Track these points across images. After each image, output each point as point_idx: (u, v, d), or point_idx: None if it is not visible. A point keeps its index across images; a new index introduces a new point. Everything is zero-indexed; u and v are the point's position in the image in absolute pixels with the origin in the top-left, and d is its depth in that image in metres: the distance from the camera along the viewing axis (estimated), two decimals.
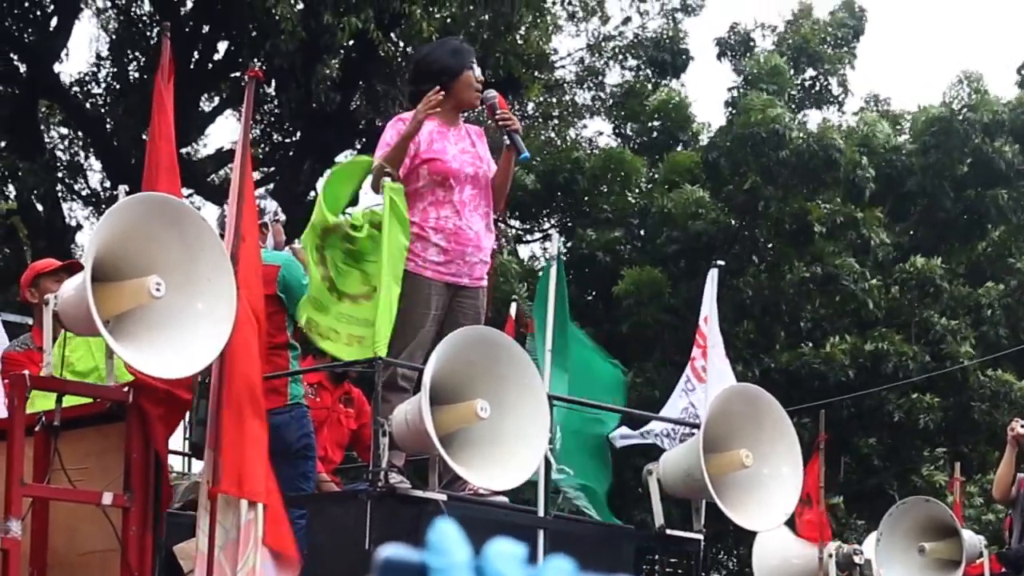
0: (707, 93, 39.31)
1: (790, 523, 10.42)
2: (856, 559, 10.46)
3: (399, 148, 7.65)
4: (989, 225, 24.22)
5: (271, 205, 8.29)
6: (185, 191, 13.48)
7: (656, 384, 21.20)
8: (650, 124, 25.61)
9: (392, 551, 1.30)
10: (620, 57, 26.83)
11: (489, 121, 8.53)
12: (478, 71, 7.97)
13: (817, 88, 25.63)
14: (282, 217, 8.31)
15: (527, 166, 22.92)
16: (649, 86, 26.27)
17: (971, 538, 11.38)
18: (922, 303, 22.68)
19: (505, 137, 7.82)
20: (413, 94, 8.14)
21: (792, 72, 24.69)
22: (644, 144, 25.48)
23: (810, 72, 25.50)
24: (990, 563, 11.63)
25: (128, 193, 6.13)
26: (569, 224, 24.34)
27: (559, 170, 24.12)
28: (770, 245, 23.49)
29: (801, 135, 22.18)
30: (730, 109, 23.90)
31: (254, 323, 6.10)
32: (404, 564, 1.29)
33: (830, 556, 10.23)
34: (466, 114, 8.25)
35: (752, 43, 25.85)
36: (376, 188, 7.54)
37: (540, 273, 22.47)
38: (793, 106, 24.50)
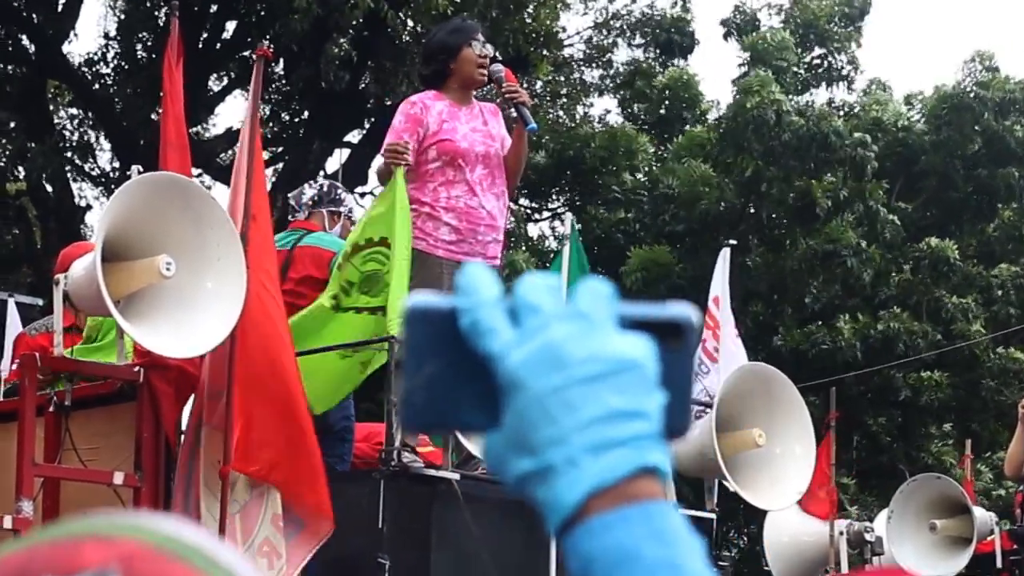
0: (715, 72, 39.27)
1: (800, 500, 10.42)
2: (867, 536, 10.47)
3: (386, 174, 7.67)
4: (1000, 204, 24.18)
5: (349, 200, 8.36)
6: (195, 171, 13.46)
7: None
8: (658, 103, 25.58)
9: (419, 298, 1.24)
10: (628, 35, 26.78)
11: (498, 97, 8.51)
12: (481, 47, 7.89)
13: (825, 66, 25.56)
14: (355, 215, 8.35)
15: (536, 144, 22.89)
16: (657, 66, 26.23)
17: (982, 515, 11.37)
18: (936, 283, 22.63)
19: (513, 110, 7.80)
20: (423, 76, 8.16)
21: (800, 50, 24.60)
22: (652, 123, 25.46)
23: (818, 50, 25.42)
24: (1001, 540, 11.61)
25: (140, 173, 6.10)
26: (578, 203, 24.33)
27: (567, 148, 24.10)
28: (776, 220, 23.45)
29: (800, 119, 22.09)
30: (735, 87, 23.86)
31: (274, 301, 6.09)
32: (431, 309, 1.24)
33: (841, 534, 10.22)
34: (481, 91, 8.24)
35: (758, 22, 25.77)
36: (383, 179, 7.61)
37: (553, 255, 22.53)
38: (799, 84, 24.44)
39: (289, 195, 8.17)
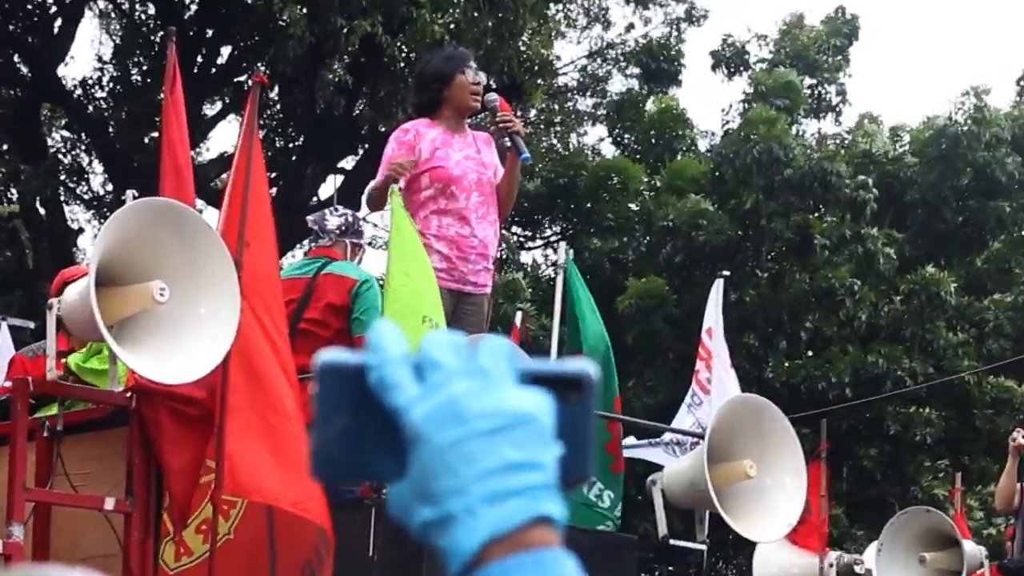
0: (703, 102, 39.30)
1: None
2: (857, 569, 10.44)
3: (378, 194, 7.65)
4: (989, 237, 24.20)
5: (368, 232, 8.41)
6: None
7: (658, 394, 21.18)
8: (648, 134, 25.61)
9: (330, 355, 1.31)
10: (622, 64, 26.85)
11: (492, 126, 8.54)
12: (474, 74, 7.92)
13: (816, 96, 25.62)
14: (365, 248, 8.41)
15: (530, 172, 22.92)
16: (645, 94, 26.27)
17: (972, 548, 11.36)
18: (929, 315, 22.62)
19: (506, 139, 7.82)
20: (415, 104, 8.18)
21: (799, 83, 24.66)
22: (642, 152, 25.49)
23: (808, 80, 25.48)
24: (991, 574, 11.60)
25: (136, 196, 6.10)
26: (571, 232, 24.33)
27: (561, 176, 24.13)
28: (772, 256, 23.46)
29: (802, 158, 22.12)
30: (726, 118, 23.93)
31: (264, 330, 6.07)
32: (342, 366, 1.30)
33: (831, 566, 10.20)
34: (473, 120, 8.26)
35: (746, 55, 25.84)
36: (372, 206, 7.61)
37: (547, 281, 22.54)
38: (800, 120, 24.52)
39: (310, 219, 8.16)
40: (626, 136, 26.06)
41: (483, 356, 1.28)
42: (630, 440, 10.48)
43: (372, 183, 7.80)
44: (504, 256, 24.54)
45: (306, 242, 14.16)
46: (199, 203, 21.08)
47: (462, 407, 1.26)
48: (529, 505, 1.25)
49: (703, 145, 25.54)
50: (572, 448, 1.30)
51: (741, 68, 25.65)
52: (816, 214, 22.84)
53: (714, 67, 25.84)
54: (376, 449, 1.30)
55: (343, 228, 7.94)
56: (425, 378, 1.28)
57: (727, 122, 24.18)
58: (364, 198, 7.92)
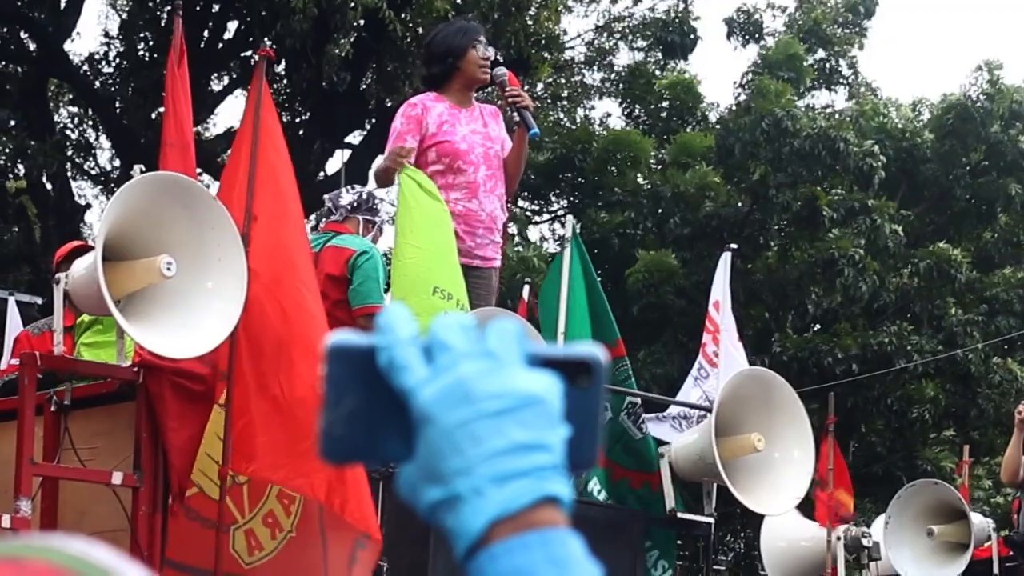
0: (715, 72, 39.30)
1: (807, 506, 10.41)
2: (864, 542, 10.45)
3: (388, 176, 7.63)
4: (1000, 211, 24.10)
5: (384, 211, 8.41)
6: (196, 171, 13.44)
7: (665, 365, 21.19)
8: (659, 105, 25.57)
9: (340, 336, 1.32)
10: (629, 38, 26.78)
11: (500, 100, 8.52)
12: (485, 49, 7.91)
13: (827, 69, 25.55)
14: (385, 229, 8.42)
15: (537, 146, 22.88)
16: (657, 68, 26.21)
17: (980, 521, 11.37)
18: (938, 290, 22.56)
19: (515, 114, 7.81)
20: (424, 77, 8.16)
21: (805, 51, 24.57)
22: (653, 125, 25.44)
23: (820, 53, 25.40)
24: (998, 546, 11.62)
25: (143, 172, 6.10)
26: (579, 205, 24.31)
27: (570, 150, 24.09)
28: (780, 229, 23.42)
29: (811, 127, 22.03)
30: (739, 90, 23.85)
31: (279, 304, 6.05)
32: (351, 347, 1.32)
33: (838, 539, 10.22)
34: (483, 93, 8.24)
35: (761, 23, 25.76)
36: (382, 183, 7.60)
37: (552, 257, 22.50)
38: (805, 92, 24.43)
39: (326, 196, 8.18)
40: (637, 107, 26.01)
41: (492, 338, 1.29)
42: None
43: (381, 161, 7.79)
44: (518, 229, 24.57)
45: (312, 217, 14.14)
46: (205, 178, 21.10)
47: (470, 388, 1.27)
48: (536, 485, 1.26)
49: (713, 117, 25.48)
50: (580, 432, 1.31)
51: (756, 36, 25.56)
52: (824, 185, 22.75)
53: (728, 35, 25.76)
54: (385, 431, 1.31)
55: (355, 204, 7.94)
56: (434, 360, 1.29)
57: (739, 94, 24.13)
58: (372, 174, 7.93)
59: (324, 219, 8.23)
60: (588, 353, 1.33)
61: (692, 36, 25.70)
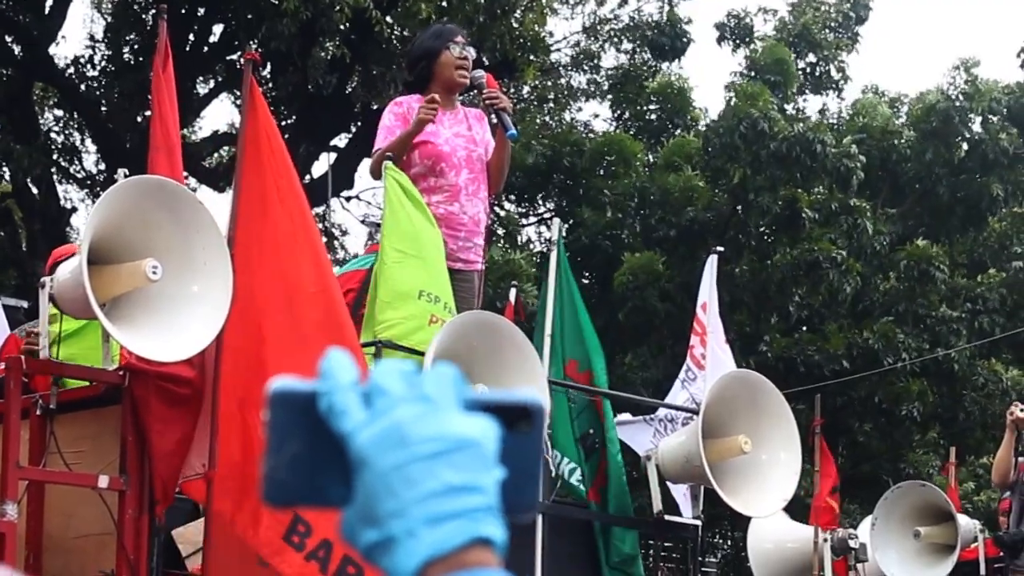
0: (706, 77, 39.29)
1: (802, 511, 10.40)
2: (851, 543, 10.44)
3: (403, 141, 7.61)
4: (988, 213, 24.09)
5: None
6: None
7: (651, 369, 21.20)
8: (648, 108, 25.57)
9: (282, 382, 1.34)
10: (616, 40, 26.79)
11: (480, 103, 8.51)
12: (461, 50, 7.88)
13: (817, 74, 25.56)
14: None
15: (524, 148, 22.87)
16: (646, 70, 26.20)
17: (966, 523, 11.37)
18: (922, 290, 22.57)
19: (494, 116, 7.81)
20: (407, 82, 8.19)
21: (794, 57, 24.57)
22: (642, 128, 25.44)
23: (811, 58, 25.41)
24: (985, 547, 11.62)
25: (127, 176, 6.08)
26: (566, 208, 24.31)
27: (556, 153, 24.08)
28: (762, 230, 23.42)
29: (788, 130, 22.03)
30: (729, 94, 23.87)
31: (267, 306, 6.03)
32: (294, 392, 1.34)
33: (825, 540, 10.21)
34: (464, 96, 8.23)
35: (752, 27, 25.77)
36: (377, 174, 7.54)
37: (537, 259, 22.51)
38: (792, 95, 24.44)
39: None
40: (626, 111, 26.01)
41: (429, 383, 1.32)
42: (624, 416, 10.45)
43: (387, 142, 7.69)
44: (503, 231, 24.56)
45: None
46: (191, 182, 21.09)
47: (405, 432, 1.30)
48: (468, 527, 1.28)
49: (704, 121, 25.49)
50: (520, 477, 1.33)
51: (747, 40, 25.58)
52: (803, 188, 22.77)
53: (719, 40, 25.77)
54: (328, 475, 1.33)
55: None
56: (372, 404, 1.32)
57: (730, 98, 24.15)
58: (370, 166, 7.86)
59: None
60: (527, 399, 1.35)
61: (684, 39, 25.68)
